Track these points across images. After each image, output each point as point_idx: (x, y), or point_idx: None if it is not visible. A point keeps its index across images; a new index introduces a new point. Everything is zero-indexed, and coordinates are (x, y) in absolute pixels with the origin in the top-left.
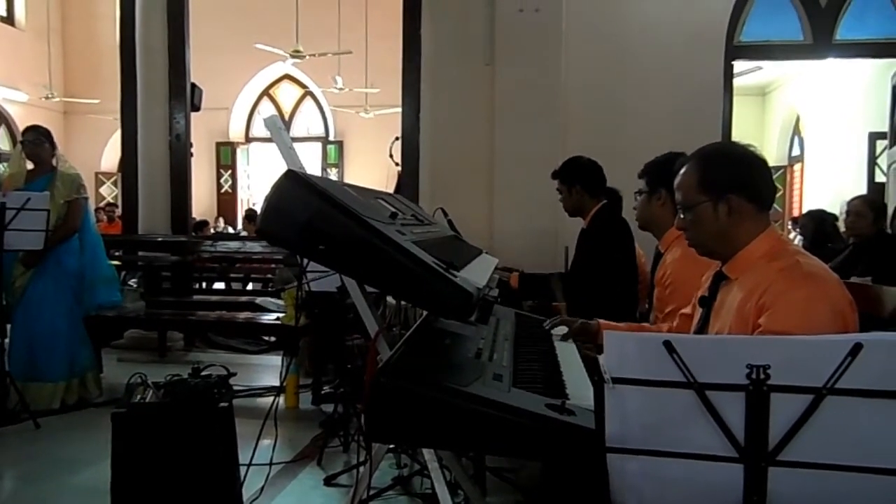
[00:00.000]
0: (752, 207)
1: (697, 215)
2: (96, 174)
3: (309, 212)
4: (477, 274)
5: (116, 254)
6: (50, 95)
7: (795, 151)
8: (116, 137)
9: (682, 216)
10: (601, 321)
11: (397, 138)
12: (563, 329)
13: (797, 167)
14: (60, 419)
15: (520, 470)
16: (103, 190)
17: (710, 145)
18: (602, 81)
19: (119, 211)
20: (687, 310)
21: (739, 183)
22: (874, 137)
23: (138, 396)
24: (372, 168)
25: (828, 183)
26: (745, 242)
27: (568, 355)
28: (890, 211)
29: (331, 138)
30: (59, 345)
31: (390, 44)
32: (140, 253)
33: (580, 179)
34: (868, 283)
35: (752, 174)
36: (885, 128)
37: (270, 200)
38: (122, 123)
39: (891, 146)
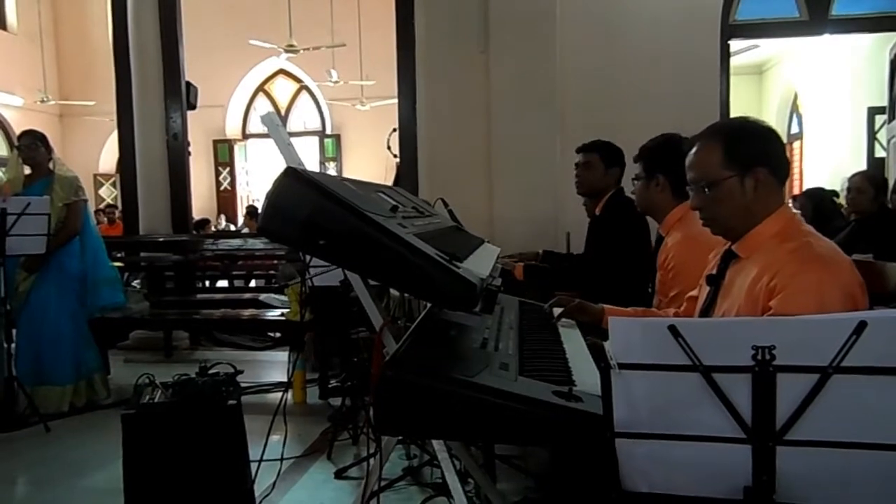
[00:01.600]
0: (775, 181)
1: (723, 191)
2: (95, 176)
3: (309, 208)
4: (480, 264)
5: (118, 255)
6: (45, 99)
7: (794, 129)
8: (113, 138)
9: (701, 194)
10: (606, 306)
11: (395, 130)
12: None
13: (796, 144)
14: (70, 422)
15: (529, 456)
16: (102, 192)
17: (725, 121)
18: (598, 65)
19: (119, 212)
20: (694, 292)
21: (765, 156)
22: (873, 112)
23: (147, 397)
24: (370, 160)
25: (827, 159)
26: (762, 218)
27: (573, 342)
28: (891, 186)
29: (328, 132)
30: (64, 348)
31: (384, 35)
32: (142, 254)
33: (619, 163)
34: (870, 259)
35: (775, 148)
36: (884, 102)
37: (270, 198)
38: (118, 124)
39: (890, 121)
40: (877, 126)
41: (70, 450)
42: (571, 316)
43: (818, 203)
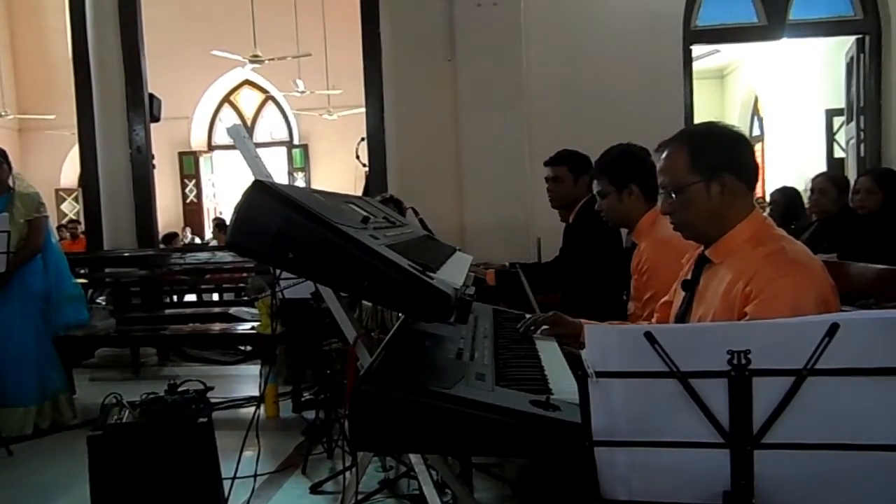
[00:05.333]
0: (742, 186)
1: (689, 197)
2: (56, 191)
3: (279, 222)
4: (453, 274)
5: (82, 272)
6: (3, 113)
7: (755, 132)
8: (75, 153)
9: (669, 199)
10: (584, 321)
11: (363, 139)
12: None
13: (758, 147)
14: (34, 444)
15: (506, 465)
16: (64, 207)
17: (694, 126)
18: (564, 72)
19: (82, 227)
20: (667, 298)
21: (731, 162)
22: (831, 114)
23: (114, 417)
24: (339, 170)
25: (789, 161)
26: (733, 224)
27: (549, 349)
28: (852, 187)
29: (295, 142)
30: (28, 368)
31: (350, 44)
32: (107, 269)
33: (589, 171)
34: (834, 259)
35: (741, 153)
36: (842, 104)
37: (239, 212)
38: (79, 138)
39: (848, 122)
40: (835, 128)
41: (34, 473)
42: (550, 330)
43: (790, 201)
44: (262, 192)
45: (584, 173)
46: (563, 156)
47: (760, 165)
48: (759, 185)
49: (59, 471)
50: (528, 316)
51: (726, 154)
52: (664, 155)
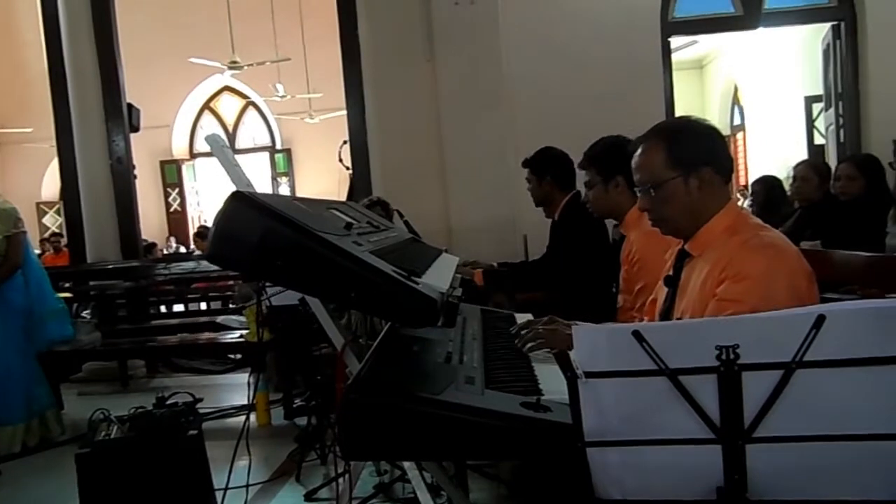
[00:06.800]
0: (719, 179)
1: (667, 192)
2: (37, 204)
3: (259, 233)
4: (439, 277)
5: (66, 285)
6: None
7: (736, 121)
8: (55, 165)
9: (647, 195)
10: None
11: (345, 142)
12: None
13: (739, 136)
14: (23, 463)
15: (501, 464)
16: (46, 220)
17: (667, 122)
18: (544, 68)
19: (65, 240)
20: (653, 296)
21: (708, 155)
22: (810, 101)
23: (102, 433)
24: (323, 174)
25: (770, 149)
26: (710, 216)
27: None
28: (833, 173)
29: (278, 147)
30: (14, 385)
31: (329, 47)
32: (91, 282)
33: (551, 171)
34: (818, 246)
35: (717, 146)
36: (820, 91)
37: (218, 224)
38: (58, 151)
39: (826, 109)
40: (814, 114)
41: (24, 491)
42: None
43: (771, 190)
44: (240, 203)
45: (546, 173)
46: (529, 158)
47: (742, 154)
48: (742, 174)
49: (48, 488)
50: (518, 318)
51: (703, 148)
52: (640, 151)
